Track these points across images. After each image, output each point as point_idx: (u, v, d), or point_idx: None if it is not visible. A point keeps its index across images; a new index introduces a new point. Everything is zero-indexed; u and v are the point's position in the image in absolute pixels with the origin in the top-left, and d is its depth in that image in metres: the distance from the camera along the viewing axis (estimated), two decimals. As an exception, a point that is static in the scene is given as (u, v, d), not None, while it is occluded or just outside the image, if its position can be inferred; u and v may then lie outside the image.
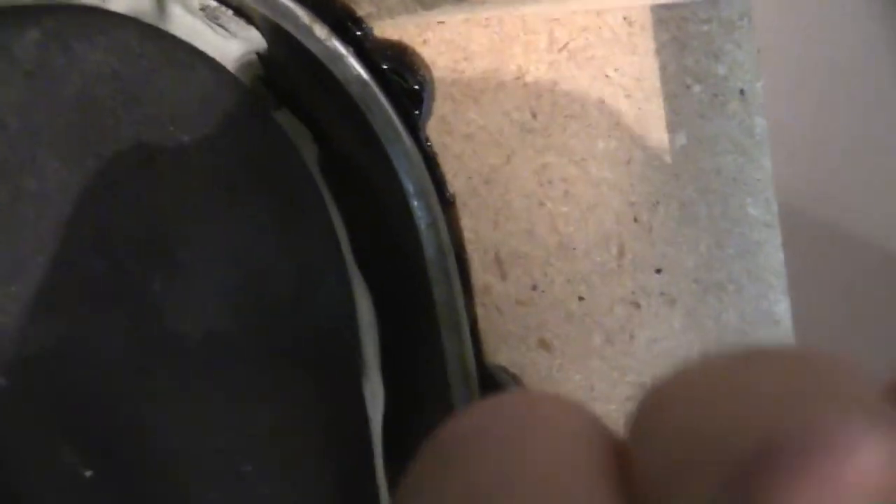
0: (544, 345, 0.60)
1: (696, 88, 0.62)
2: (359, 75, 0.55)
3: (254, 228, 0.59)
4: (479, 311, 0.58)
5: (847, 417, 0.17)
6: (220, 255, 0.59)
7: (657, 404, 0.22)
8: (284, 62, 0.58)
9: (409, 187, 0.56)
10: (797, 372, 0.20)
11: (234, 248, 0.59)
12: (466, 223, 0.59)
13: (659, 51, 0.61)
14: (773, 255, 0.65)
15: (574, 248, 0.61)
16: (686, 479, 0.19)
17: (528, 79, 0.60)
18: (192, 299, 0.59)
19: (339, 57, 0.55)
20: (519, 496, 0.21)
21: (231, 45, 0.58)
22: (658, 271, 0.63)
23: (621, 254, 0.62)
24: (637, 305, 0.62)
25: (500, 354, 0.61)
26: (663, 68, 0.62)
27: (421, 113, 0.58)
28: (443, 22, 0.59)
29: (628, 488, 0.21)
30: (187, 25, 0.58)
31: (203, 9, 0.57)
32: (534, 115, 0.60)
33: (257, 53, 0.58)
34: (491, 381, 0.58)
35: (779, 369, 0.21)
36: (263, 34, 0.58)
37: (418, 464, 0.25)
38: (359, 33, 0.57)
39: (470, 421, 0.25)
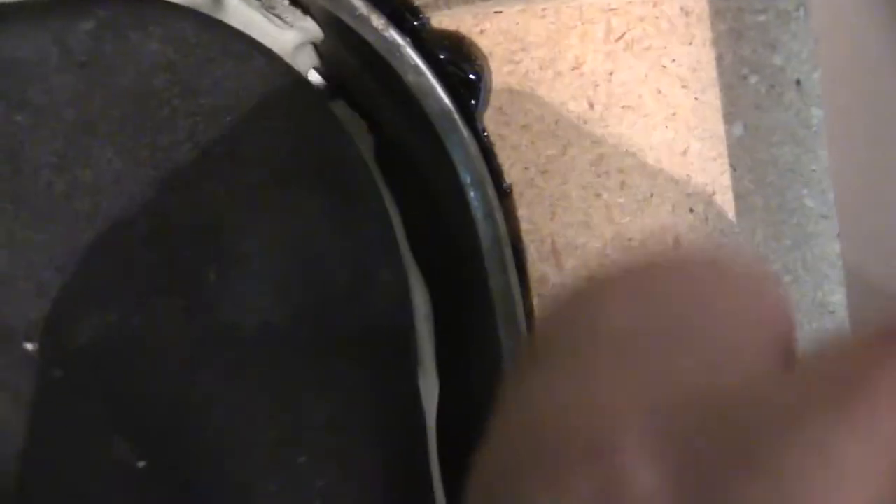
0: (600, 336, 0.60)
1: (753, 79, 0.62)
2: (415, 65, 0.55)
3: (309, 219, 0.59)
4: (535, 301, 0.58)
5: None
6: (274, 246, 0.59)
7: None
8: (340, 52, 0.58)
9: (466, 178, 0.56)
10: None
11: (289, 238, 0.59)
12: (523, 213, 0.59)
13: (716, 41, 0.61)
14: (829, 246, 0.65)
15: (630, 239, 0.60)
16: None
17: (585, 69, 0.59)
18: (246, 290, 0.58)
19: (396, 47, 0.55)
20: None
21: (287, 35, 0.58)
22: (714, 262, 0.62)
23: (677, 244, 0.61)
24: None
25: (556, 346, 0.60)
26: (720, 59, 0.61)
27: (477, 103, 0.57)
28: (500, 12, 0.58)
29: None
30: (243, 15, 0.57)
31: (259, -1, 0.57)
32: (591, 106, 0.60)
33: (313, 44, 0.58)
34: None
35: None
36: (320, 24, 0.57)
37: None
38: (416, 24, 0.57)
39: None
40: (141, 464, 0.58)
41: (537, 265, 0.59)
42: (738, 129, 0.62)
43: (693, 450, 0.20)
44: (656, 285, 0.25)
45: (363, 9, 0.54)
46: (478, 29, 0.58)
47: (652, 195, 0.61)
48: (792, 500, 0.18)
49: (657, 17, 0.60)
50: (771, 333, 0.24)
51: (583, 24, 0.59)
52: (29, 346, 0.57)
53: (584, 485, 0.20)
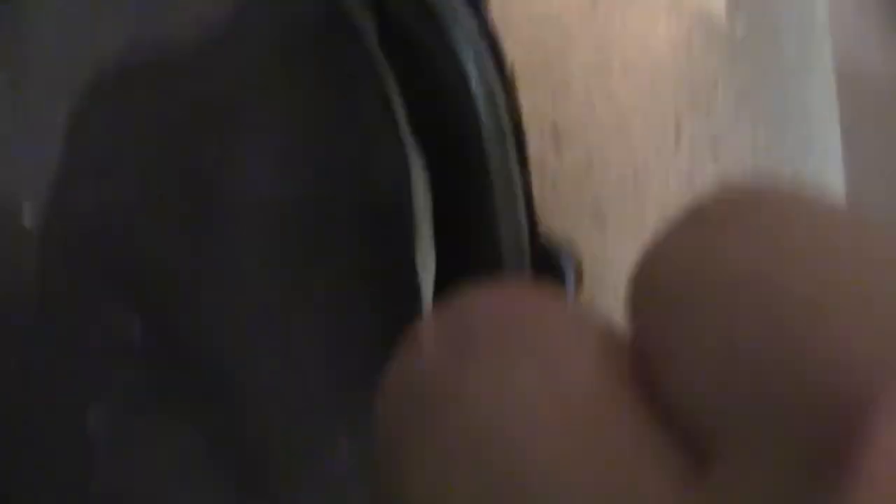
0: (598, 221, 0.60)
1: (759, -29, 0.62)
2: (417, -58, 0.55)
3: (310, 96, 0.59)
4: (535, 182, 0.58)
5: None
6: (276, 121, 0.59)
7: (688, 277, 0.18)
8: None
9: (467, 57, 0.56)
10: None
11: (291, 113, 0.59)
12: (524, 95, 0.59)
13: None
14: (832, 142, 0.65)
15: (631, 126, 0.60)
16: (757, 421, 0.15)
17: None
18: (247, 163, 0.59)
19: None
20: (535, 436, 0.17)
21: None
22: (714, 153, 0.62)
23: (678, 133, 0.61)
24: (693, 185, 0.61)
25: (554, 230, 0.60)
26: (726, -52, 0.61)
27: (481, -18, 0.57)
28: None
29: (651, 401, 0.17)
30: None
31: None
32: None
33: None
34: (545, 254, 0.58)
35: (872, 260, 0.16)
36: None
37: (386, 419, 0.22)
38: None
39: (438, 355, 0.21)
40: (137, 336, 0.58)
41: (537, 149, 0.59)
42: (742, 23, 0.62)
43: None
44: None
45: None
46: None
47: (655, 83, 0.61)
48: None
49: None
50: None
51: None
52: (27, 215, 0.57)
53: None
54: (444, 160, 0.60)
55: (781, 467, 0.14)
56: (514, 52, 0.59)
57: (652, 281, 0.18)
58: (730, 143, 0.62)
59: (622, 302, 0.21)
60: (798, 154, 0.64)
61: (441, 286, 0.60)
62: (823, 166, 0.64)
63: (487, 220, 0.57)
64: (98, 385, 0.58)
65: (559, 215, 0.60)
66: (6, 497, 0.56)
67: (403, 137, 0.60)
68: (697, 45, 0.61)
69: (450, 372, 0.20)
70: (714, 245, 0.18)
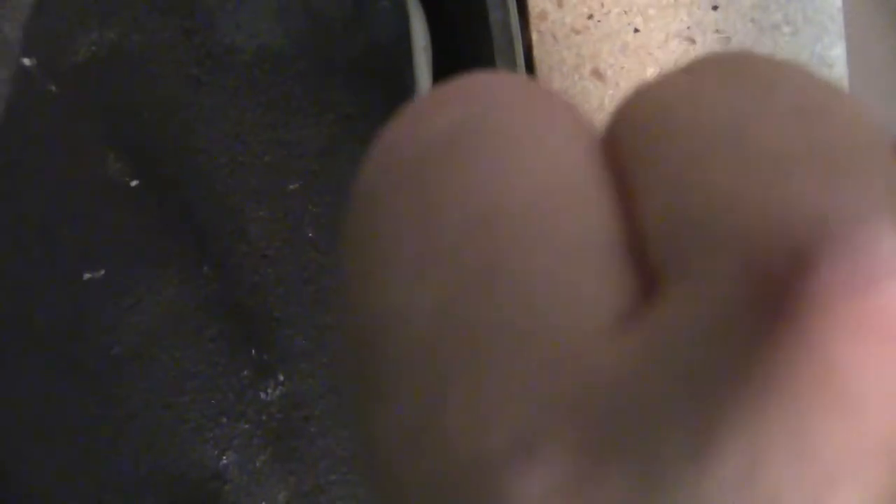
0: (598, 75, 0.60)
1: None
2: None
3: (309, -56, 0.59)
4: (534, 37, 0.58)
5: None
6: (275, -31, 0.58)
7: (662, 109, 0.18)
8: None
9: None
10: (821, 122, 0.17)
11: (290, -38, 0.58)
12: (526, -53, 0.58)
13: None
14: (831, -1, 0.64)
15: (632, -21, 0.60)
16: (699, 240, 0.16)
17: None
18: (246, 14, 0.58)
19: None
20: (509, 215, 0.17)
21: None
22: (715, 8, 0.62)
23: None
24: (692, 41, 0.61)
25: (553, 83, 0.60)
26: None
27: None
28: None
29: (624, 205, 0.18)
30: None
31: None
32: None
33: None
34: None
35: (798, 119, 0.17)
36: None
37: (370, 175, 0.20)
38: None
39: (444, 111, 0.19)
40: (134, 182, 0.58)
41: (538, 1, 0.59)
42: None
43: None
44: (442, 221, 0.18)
45: None
46: None
47: (657, -64, 0.60)
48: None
49: None
50: (600, 229, 0.18)
51: None
52: (26, 61, 0.57)
53: None
54: (444, 13, 0.59)
55: (725, 294, 0.15)
56: None
57: (634, 111, 0.19)
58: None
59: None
60: (796, 6, 0.63)
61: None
62: (821, 13, 0.64)
63: (487, 70, 0.57)
64: (94, 232, 0.58)
65: (559, 68, 0.60)
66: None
67: (404, -12, 0.59)
68: None
69: (452, 126, 0.19)
70: (698, 90, 0.18)
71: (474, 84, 0.20)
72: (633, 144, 0.18)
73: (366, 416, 0.18)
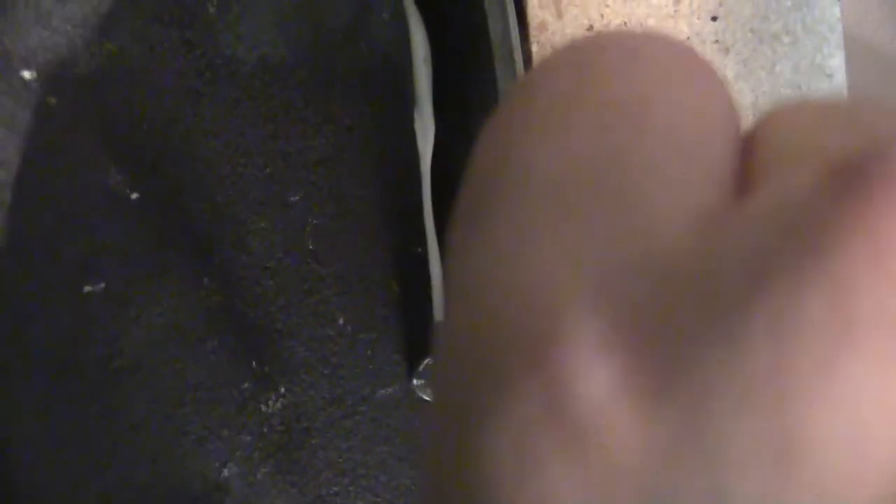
0: (598, 86, 0.60)
1: None
2: None
3: (309, -44, 0.59)
4: (534, 48, 0.58)
5: None
6: (275, -19, 0.58)
7: (785, 113, 0.20)
8: None
9: (470, -82, 0.56)
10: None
11: (290, -26, 0.58)
12: (526, -42, 0.58)
13: None
14: (829, 9, 0.64)
15: (632, -10, 0.60)
16: (796, 161, 0.18)
17: None
18: (247, 25, 0.58)
19: None
20: (647, 151, 0.19)
21: None
22: (714, 19, 0.62)
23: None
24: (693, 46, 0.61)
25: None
26: None
27: None
28: None
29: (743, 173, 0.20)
30: None
31: None
32: None
33: None
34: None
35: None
36: None
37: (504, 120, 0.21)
38: None
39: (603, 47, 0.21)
40: (134, 194, 0.58)
41: (537, 12, 0.59)
42: None
43: (648, 331, 0.17)
44: (595, 92, 0.20)
45: None
46: None
47: (656, -54, 0.60)
48: (778, 379, 0.15)
49: None
50: (721, 150, 0.20)
51: None
52: (26, 74, 0.57)
53: (530, 393, 0.17)
54: (444, 24, 0.60)
55: (807, 185, 0.17)
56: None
57: (779, 120, 0.21)
58: (729, 5, 0.62)
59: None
60: (796, 16, 0.63)
61: (439, 151, 0.60)
62: (820, 23, 0.64)
63: (487, 83, 0.57)
64: (94, 244, 0.58)
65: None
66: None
67: (405, 2, 0.59)
68: None
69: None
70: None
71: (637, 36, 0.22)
72: (765, 129, 0.21)
73: (465, 242, 0.20)
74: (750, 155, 0.21)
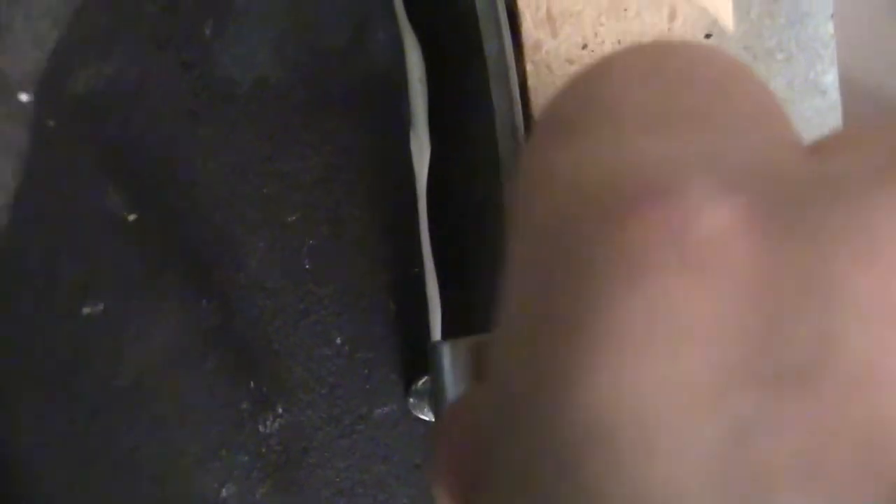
0: (592, 104, 0.60)
1: None
2: None
3: (305, -23, 0.59)
4: (529, 67, 0.58)
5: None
6: (273, 5, 0.59)
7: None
8: None
9: (464, -61, 0.56)
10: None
11: (286, -4, 0.59)
12: (520, -22, 0.59)
13: None
14: (823, 26, 0.65)
15: (626, 9, 0.60)
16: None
17: None
18: (243, 47, 0.59)
19: None
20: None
21: None
22: (708, 36, 0.62)
23: (672, 16, 0.61)
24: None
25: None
26: None
27: None
28: None
29: None
30: None
31: None
32: None
33: None
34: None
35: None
36: None
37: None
38: None
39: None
40: (132, 216, 0.59)
41: (532, 31, 0.59)
42: None
43: (762, 188, 0.18)
44: (671, 64, 0.22)
45: None
46: None
47: (649, -35, 0.61)
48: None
49: None
50: (784, 124, 0.21)
51: None
52: (24, 97, 0.57)
53: (650, 226, 0.17)
54: (440, 44, 0.60)
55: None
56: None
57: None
58: (723, 23, 0.62)
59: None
60: (790, 34, 0.64)
61: (435, 171, 0.60)
62: (814, 40, 0.64)
63: (482, 103, 0.57)
64: (94, 267, 0.58)
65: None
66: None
67: (400, 21, 0.59)
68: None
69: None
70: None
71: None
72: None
73: (552, 156, 0.21)
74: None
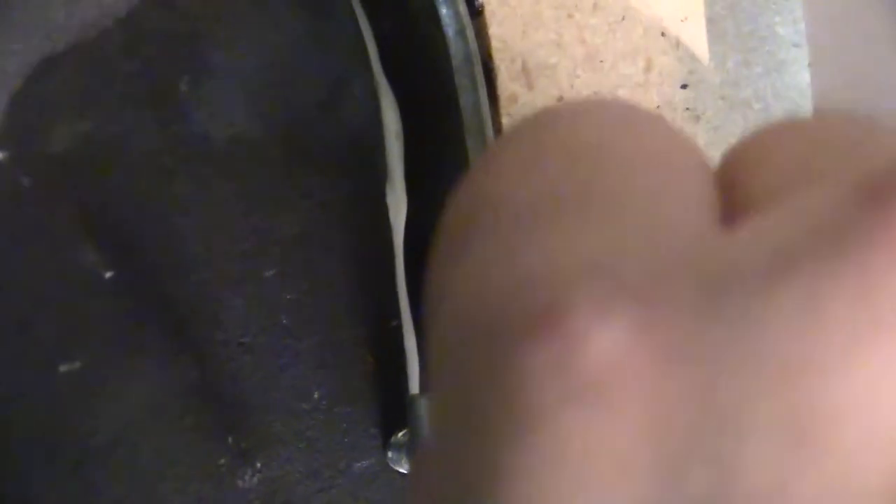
0: (568, 157, 0.60)
1: None
2: None
3: (284, 36, 0.59)
4: (505, 120, 0.58)
5: None
6: (249, 61, 0.59)
7: (765, 142, 0.22)
8: None
9: (438, -6, 0.56)
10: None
11: (264, 54, 0.59)
12: (495, 32, 0.59)
13: None
14: (800, 75, 0.65)
15: (601, 61, 0.61)
16: (814, 181, 0.19)
17: None
18: (219, 103, 0.59)
19: None
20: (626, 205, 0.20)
21: None
22: (684, 87, 0.62)
23: (648, 68, 0.61)
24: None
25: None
26: None
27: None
28: None
29: (725, 214, 0.21)
30: None
31: None
32: (565, -76, 0.59)
33: None
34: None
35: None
36: None
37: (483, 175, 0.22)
38: None
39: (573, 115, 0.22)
40: (109, 273, 0.59)
41: (508, 84, 0.59)
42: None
43: (654, 298, 0.17)
44: (551, 142, 0.21)
45: None
46: None
47: (624, 18, 0.61)
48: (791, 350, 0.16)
49: None
50: (696, 185, 0.21)
51: None
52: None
53: (537, 361, 0.17)
54: (416, 99, 0.60)
55: (833, 198, 0.17)
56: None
57: (748, 147, 0.22)
58: (699, 73, 0.63)
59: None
60: (766, 83, 0.64)
61: (411, 224, 0.60)
62: (791, 89, 0.65)
63: (458, 156, 0.57)
64: (70, 323, 0.58)
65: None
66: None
67: (376, 77, 0.60)
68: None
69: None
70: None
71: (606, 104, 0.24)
72: (744, 158, 0.22)
73: (449, 260, 0.21)
74: (733, 187, 0.21)
